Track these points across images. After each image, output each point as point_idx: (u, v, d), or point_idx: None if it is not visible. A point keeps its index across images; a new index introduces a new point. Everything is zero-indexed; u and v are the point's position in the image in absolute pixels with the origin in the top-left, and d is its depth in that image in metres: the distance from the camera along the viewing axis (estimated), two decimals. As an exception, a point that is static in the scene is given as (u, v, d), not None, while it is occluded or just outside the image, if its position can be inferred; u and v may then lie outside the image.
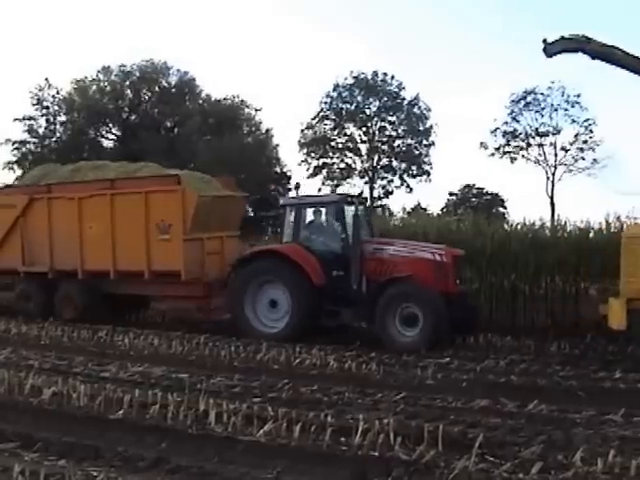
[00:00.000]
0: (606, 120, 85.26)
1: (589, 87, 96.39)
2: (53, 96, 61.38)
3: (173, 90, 62.83)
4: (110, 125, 62.81)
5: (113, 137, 63.23)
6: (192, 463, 8.07)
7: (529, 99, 63.43)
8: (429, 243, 18.11)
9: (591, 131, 62.40)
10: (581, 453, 8.10)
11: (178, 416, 9.95)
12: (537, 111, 63.26)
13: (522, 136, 64.20)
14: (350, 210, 17.35)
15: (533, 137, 63.93)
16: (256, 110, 66.60)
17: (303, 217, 18.12)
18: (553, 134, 63.28)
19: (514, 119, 64.15)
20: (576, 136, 62.86)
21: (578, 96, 61.90)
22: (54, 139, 61.23)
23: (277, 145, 66.78)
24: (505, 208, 70.21)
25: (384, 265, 16.83)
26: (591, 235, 19.41)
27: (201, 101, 64.56)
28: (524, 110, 63.65)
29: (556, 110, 62.58)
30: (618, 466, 7.75)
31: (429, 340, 15.52)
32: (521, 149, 64.70)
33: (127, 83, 61.98)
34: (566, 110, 62.43)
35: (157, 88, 62.65)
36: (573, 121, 62.66)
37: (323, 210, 18.39)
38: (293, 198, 19.56)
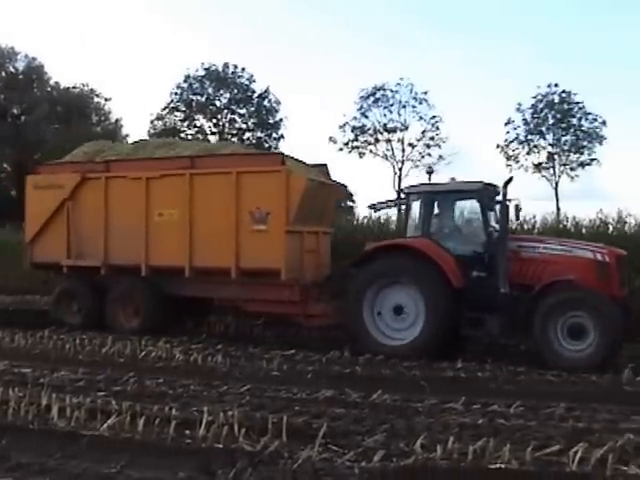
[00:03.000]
0: (452, 117, 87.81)
1: (436, 85, 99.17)
2: None
3: (20, 76, 61.31)
4: (-47, 111, 60.73)
5: (-44, 123, 61.15)
6: (34, 459, 7.88)
7: (378, 95, 64.63)
8: (584, 241, 15.92)
9: (437, 128, 64.11)
10: (422, 440, 8.30)
11: (19, 412, 9.71)
12: (386, 107, 64.55)
13: (370, 131, 65.28)
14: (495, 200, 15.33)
15: (381, 133, 65.12)
16: (106, 99, 66.12)
17: (436, 207, 15.65)
18: (401, 130, 64.72)
19: (363, 114, 65.21)
20: (423, 133, 64.47)
21: (425, 93, 63.54)
22: None
23: (127, 135, 66.03)
24: (354, 202, 71.18)
25: (532, 265, 14.63)
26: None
27: (49, 88, 63.35)
28: (373, 106, 64.83)
29: (404, 107, 64.05)
30: (457, 452, 7.98)
31: (604, 355, 13.46)
32: (369, 144, 65.74)
33: (-28, 68, 60.10)
34: (414, 107, 64.01)
35: (3, 74, 60.95)
36: (420, 118, 64.28)
37: (462, 200, 15.96)
38: (422, 185, 16.35)
